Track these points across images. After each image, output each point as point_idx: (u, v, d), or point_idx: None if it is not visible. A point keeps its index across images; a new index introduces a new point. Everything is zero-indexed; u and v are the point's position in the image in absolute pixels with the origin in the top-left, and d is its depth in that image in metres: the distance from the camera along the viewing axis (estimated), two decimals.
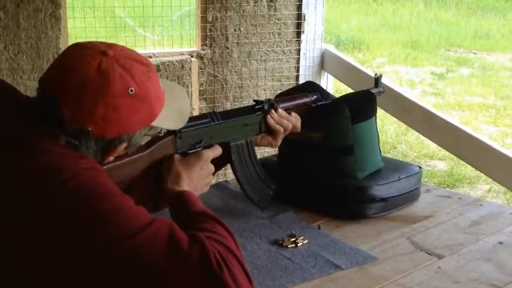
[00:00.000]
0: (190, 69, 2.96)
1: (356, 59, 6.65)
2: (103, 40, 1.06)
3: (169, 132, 1.25)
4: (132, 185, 1.20)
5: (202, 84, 3.06)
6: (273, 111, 1.47)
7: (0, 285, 0.91)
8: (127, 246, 0.87)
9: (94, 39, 1.12)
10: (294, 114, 1.52)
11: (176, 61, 2.93)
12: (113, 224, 0.89)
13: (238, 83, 3.17)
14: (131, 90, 0.98)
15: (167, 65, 2.90)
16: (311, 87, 1.67)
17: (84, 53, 0.99)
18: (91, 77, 0.96)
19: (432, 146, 4.37)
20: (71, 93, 0.96)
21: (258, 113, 1.46)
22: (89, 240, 0.87)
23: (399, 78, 6.46)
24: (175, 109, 1.12)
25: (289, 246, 1.40)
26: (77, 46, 1.03)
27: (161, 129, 1.14)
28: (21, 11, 2.49)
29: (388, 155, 4.48)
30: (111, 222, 0.89)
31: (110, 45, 1.01)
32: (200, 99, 3.08)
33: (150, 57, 2.90)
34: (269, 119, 1.47)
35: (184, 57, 2.97)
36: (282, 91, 1.80)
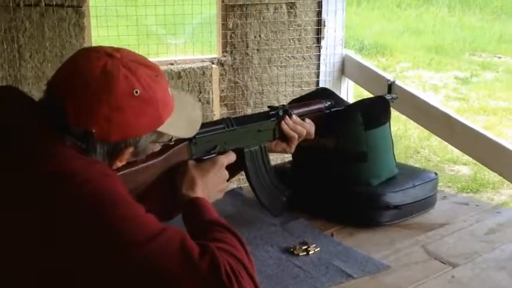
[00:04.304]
0: (211, 75, 2.99)
1: (380, 63, 6.60)
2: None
3: (184, 138, 1.24)
4: (146, 192, 1.19)
5: (223, 91, 3.08)
6: (287, 117, 1.46)
7: (16, 284, 0.91)
8: (137, 254, 0.87)
9: None
10: (308, 120, 1.51)
11: (198, 68, 2.96)
12: (124, 232, 0.88)
13: (258, 89, 3.18)
14: (136, 92, 0.97)
15: (189, 71, 2.93)
16: (325, 93, 1.67)
17: (90, 55, 0.99)
18: (95, 76, 0.95)
19: (456, 151, 4.31)
20: (76, 93, 0.95)
21: (272, 119, 1.45)
22: (95, 246, 0.87)
23: (423, 83, 6.38)
24: (186, 117, 1.11)
25: (300, 254, 1.39)
26: (84, 50, 1.03)
27: (172, 138, 1.12)
28: (46, 21, 2.56)
29: (411, 160, 4.44)
30: (122, 229, 0.88)
31: (117, 49, 1.01)
32: (221, 106, 3.09)
33: (172, 64, 2.94)
34: (283, 125, 1.45)
35: (205, 64, 2.99)
36: (295, 97, 1.79)
